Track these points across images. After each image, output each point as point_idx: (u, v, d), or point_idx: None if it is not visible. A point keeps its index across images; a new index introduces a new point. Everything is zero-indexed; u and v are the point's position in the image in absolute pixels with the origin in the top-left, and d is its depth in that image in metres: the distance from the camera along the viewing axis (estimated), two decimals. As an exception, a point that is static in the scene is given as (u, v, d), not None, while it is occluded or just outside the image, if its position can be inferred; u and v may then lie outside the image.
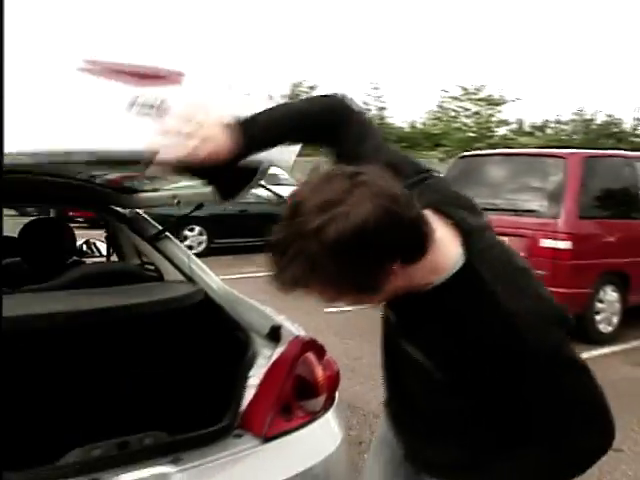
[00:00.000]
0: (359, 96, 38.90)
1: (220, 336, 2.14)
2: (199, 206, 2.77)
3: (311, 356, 1.95)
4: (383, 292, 1.17)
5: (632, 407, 4.61)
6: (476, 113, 20.21)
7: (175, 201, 2.68)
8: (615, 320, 6.51)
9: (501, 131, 21.28)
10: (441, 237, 1.21)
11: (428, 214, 1.19)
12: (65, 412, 2.13)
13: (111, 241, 3.44)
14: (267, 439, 1.74)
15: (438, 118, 39.57)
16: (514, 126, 21.75)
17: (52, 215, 4.65)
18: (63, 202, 3.12)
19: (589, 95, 70.97)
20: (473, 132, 19.90)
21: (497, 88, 34.68)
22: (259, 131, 1.37)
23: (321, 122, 1.45)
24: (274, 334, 2.03)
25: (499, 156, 7.45)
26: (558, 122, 42.70)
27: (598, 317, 6.35)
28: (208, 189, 2.46)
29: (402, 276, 1.16)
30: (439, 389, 1.36)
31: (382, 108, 35.44)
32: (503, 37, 71.39)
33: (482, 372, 1.25)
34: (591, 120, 40.56)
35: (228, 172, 1.71)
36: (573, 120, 41.66)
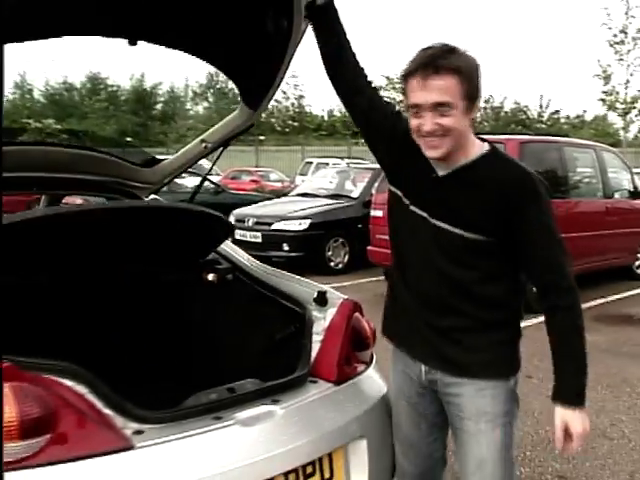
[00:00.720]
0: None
1: (278, 303, 2.43)
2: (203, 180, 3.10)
3: (359, 315, 2.28)
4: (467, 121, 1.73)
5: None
6: (400, 102, 20.85)
7: (204, 145, 2.86)
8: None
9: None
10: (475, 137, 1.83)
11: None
12: (179, 364, 2.50)
13: None
14: (338, 383, 2.06)
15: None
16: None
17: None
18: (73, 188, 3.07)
19: (497, 83, 74.01)
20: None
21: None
22: None
23: None
24: (322, 299, 2.34)
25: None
26: (469, 110, 44.38)
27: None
28: (232, 116, 2.76)
29: (464, 121, 1.72)
30: (461, 252, 1.80)
31: (300, 97, 35.79)
32: (418, 26, 73.19)
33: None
34: (500, 108, 42.47)
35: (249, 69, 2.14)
36: (484, 108, 43.49)
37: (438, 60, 1.66)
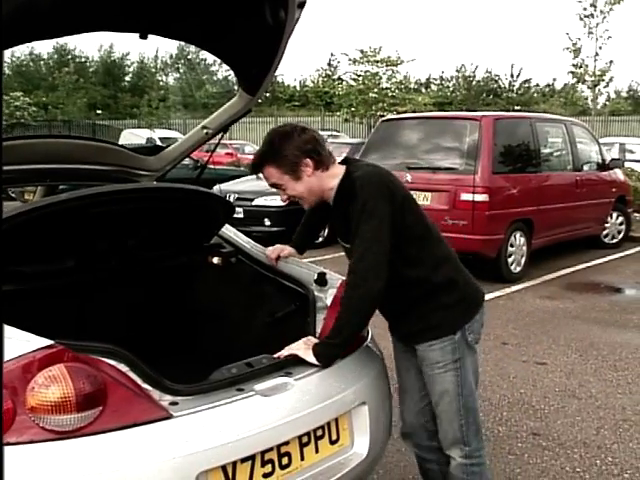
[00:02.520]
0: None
1: (279, 283, 2.65)
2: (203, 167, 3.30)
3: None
4: (304, 182, 2.18)
5: (547, 331, 5.54)
6: (375, 74, 20.98)
7: (205, 132, 3.05)
8: (523, 261, 7.50)
9: (391, 90, 22.19)
10: (336, 167, 2.25)
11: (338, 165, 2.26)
12: (190, 342, 2.73)
13: None
14: (343, 356, 2.31)
15: (328, 76, 40.22)
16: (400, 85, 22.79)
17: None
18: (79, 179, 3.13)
19: (469, 52, 74.02)
20: (375, 93, 20.67)
21: (394, 49, 35.93)
22: None
23: None
24: (322, 279, 2.57)
25: (419, 119, 8.19)
26: (442, 79, 44.60)
27: (510, 259, 7.30)
28: (231, 102, 2.94)
29: (300, 185, 2.19)
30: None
31: (273, 67, 35.43)
32: (385, -5, 72.73)
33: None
34: (472, 77, 42.70)
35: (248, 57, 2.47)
36: (455, 77, 43.68)
37: (254, 166, 2.28)
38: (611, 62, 14.53)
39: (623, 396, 4.19)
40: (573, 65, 14.79)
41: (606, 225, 9.36)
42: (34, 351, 1.68)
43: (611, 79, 15.04)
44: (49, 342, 1.70)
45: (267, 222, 9.13)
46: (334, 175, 2.24)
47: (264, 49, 2.66)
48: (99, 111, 37.70)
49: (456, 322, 2.28)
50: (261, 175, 2.28)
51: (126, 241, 2.68)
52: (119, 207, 2.45)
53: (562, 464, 3.31)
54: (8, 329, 1.75)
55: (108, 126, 29.71)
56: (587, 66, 14.69)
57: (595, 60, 14.57)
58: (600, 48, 14.33)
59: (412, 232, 2.22)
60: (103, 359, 1.78)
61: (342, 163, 2.30)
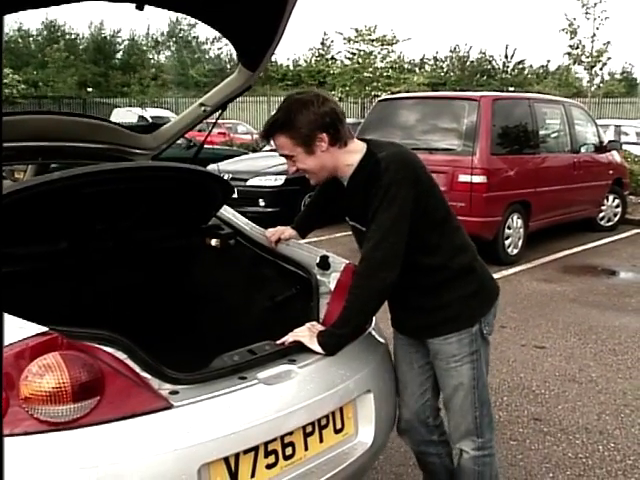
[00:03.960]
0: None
1: (280, 266, 2.57)
2: (200, 148, 3.19)
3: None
4: (317, 158, 2.05)
5: (545, 314, 5.50)
6: (370, 54, 20.74)
7: (202, 109, 2.93)
8: (520, 243, 7.45)
9: (386, 70, 21.95)
10: (355, 144, 2.12)
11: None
12: (189, 327, 2.66)
13: None
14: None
15: (321, 56, 39.83)
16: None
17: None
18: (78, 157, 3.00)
19: (463, 32, 73.54)
20: (369, 73, 20.45)
21: (389, 28, 35.54)
22: None
23: None
24: (324, 263, 2.49)
25: (416, 99, 8.07)
26: (436, 59, 44.28)
27: (507, 241, 7.25)
28: (230, 78, 2.84)
29: (312, 159, 2.06)
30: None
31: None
32: (379, -27, 71.76)
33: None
34: (466, 57, 42.43)
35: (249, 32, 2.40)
36: (449, 57, 43.38)
37: (266, 132, 2.12)
38: (608, 43, 14.42)
39: (624, 381, 4.15)
40: (570, 46, 14.65)
41: (602, 207, 9.32)
42: (27, 338, 1.59)
43: (608, 59, 14.92)
44: (43, 329, 1.62)
45: (262, 202, 9.02)
46: (352, 152, 2.11)
47: (265, 23, 2.55)
48: (89, 89, 37.24)
49: (474, 314, 2.19)
50: (270, 145, 2.12)
51: (121, 222, 2.59)
52: (113, 187, 2.35)
53: (564, 450, 3.27)
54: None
55: (100, 103, 29.36)
56: (584, 47, 14.55)
57: (592, 41, 14.43)
58: (597, 29, 14.20)
59: (434, 217, 2.12)
60: (100, 346, 1.70)
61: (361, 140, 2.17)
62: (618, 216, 9.55)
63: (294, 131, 2.04)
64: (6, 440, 1.52)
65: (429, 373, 2.34)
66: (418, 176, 2.05)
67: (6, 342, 1.57)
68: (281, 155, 2.15)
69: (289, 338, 2.10)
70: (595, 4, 14.30)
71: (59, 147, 2.83)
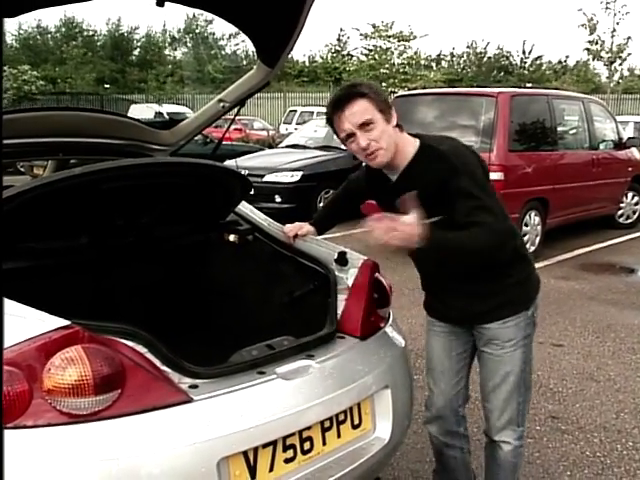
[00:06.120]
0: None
1: (297, 262, 2.57)
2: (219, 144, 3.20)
3: (379, 275, 2.44)
4: (390, 129, 2.04)
5: (563, 312, 5.46)
6: (387, 50, 20.68)
7: (221, 105, 2.94)
8: (537, 241, 7.40)
9: (403, 67, 21.85)
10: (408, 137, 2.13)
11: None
12: (207, 322, 2.69)
13: None
14: (363, 338, 2.24)
15: (337, 52, 39.74)
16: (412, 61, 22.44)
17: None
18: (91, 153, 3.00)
19: (480, 28, 72.98)
20: (386, 69, 20.40)
21: (406, 24, 35.47)
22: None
23: None
24: (342, 259, 2.49)
25: (434, 95, 8.04)
26: (452, 55, 44.02)
27: (524, 239, 7.19)
28: (249, 74, 2.85)
29: (388, 129, 2.04)
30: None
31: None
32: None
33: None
34: (483, 53, 42.14)
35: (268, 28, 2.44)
36: (466, 53, 43.11)
37: (345, 96, 2.07)
38: (629, 38, 14.24)
39: (642, 379, 4.12)
40: (589, 42, 14.49)
41: (621, 205, 9.22)
42: (50, 331, 1.61)
43: (628, 55, 14.75)
44: (66, 322, 1.64)
45: (277, 199, 9.03)
46: (407, 141, 2.13)
47: (284, 19, 2.55)
48: (107, 85, 37.46)
49: (529, 297, 2.26)
50: (345, 114, 2.04)
51: (141, 218, 2.60)
52: (134, 182, 2.37)
53: (582, 448, 3.25)
54: (23, 308, 1.69)
55: (117, 99, 29.53)
56: (604, 42, 14.39)
57: (612, 36, 14.27)
58: (617, 24, 14.04)
59: None
60: (121, 340, 1.72)
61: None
62: (637, 213, 9.45)
63: (377, 96, 2.06)
64: (29, 431, 1.56)
65: (465, 361, 2.39)
66: (482, 166, 2.15)
67: (29, 335, 1.60)
68: (356, 125, 2.04)
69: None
70: (615, -1, 14.16)
71: (79, 143, 2.85)
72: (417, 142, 2.13)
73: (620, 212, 9.28)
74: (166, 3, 2.53)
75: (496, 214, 2.01)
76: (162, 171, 2.42)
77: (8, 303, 1.68)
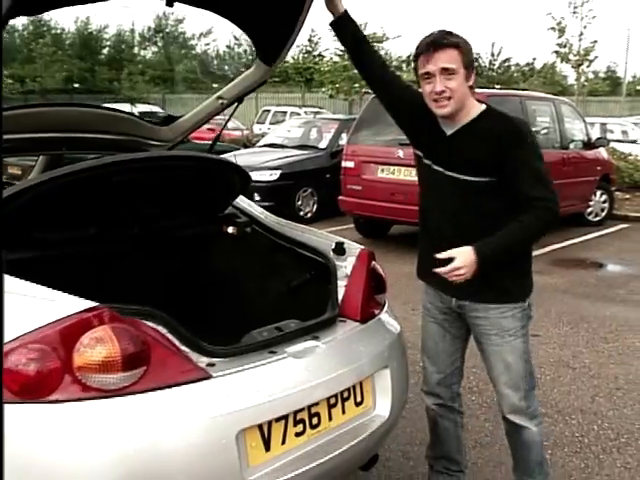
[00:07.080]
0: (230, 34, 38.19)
1: (296, 252, 2.69)
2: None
3: (376, 263, 2.58)
4: (466, 85, 2.18)
5: (538, 304, 5.60)
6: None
7: (220, 102, 3.04)
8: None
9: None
10: (475, 101, 2.27)
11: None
12: (223, 313, 2.80)
13: None
14: (363, 322, 2.37)
15: (309, 52, 39.83)
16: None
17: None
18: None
19: (450, 30, 73.35)
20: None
21: (379, 26, 35.64)
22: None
23: None
24: (340, 249, 2.62)
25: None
26: (423, 57, 44.33)
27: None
28: (248, 72, 2.95)
29: (464, 86, 2.18)
30: (469, 196, 2.23)
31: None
32: (366, -30, 71.62)
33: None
34: (453, 55, 42.53)
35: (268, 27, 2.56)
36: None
37: (441, 39, 2.19)
38: (595, 42, 14.67)
39: (615, 366, 4.33)
40: (558, 44, 14.86)
41: (590, 203, 9.51)
42: (79, 312, 1.71)
43: (595, 58, 15.18)
44: (93, 304, 1.74)
45: (257, 197, 9.10)
46: (474, 104, 2.27)
47: (284, 18, 2.67)
48: (76, 85, 36.99)
49: (528, 289, 2.40)
50: (432, 62, 2.16)
51: (146, 210, 2.70)
52: (140, 175, 2.47)
53: (561, 429, 3.43)
54: (50, 292, 1.78)
55: (87, 99, 29.22)
56: (572, 45, 14.76)
57: (580, 40, 14.66)
58: (585, 27, 14.43)
59: None
60: (143, 321, 1.82)
61: None
62: (605, 211, 9.76)
63: (468, 52, 2.20)
64: (61, 406, 1.65)
65: (459, 345, 2.52)
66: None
67: (58, 316, 1.70)
68: (439, 69, 2.15)
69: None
70: (582, 3, 14.54)
71: (81, 138, 2.93)
72: (483, 106, 2.28)
73: (589, 210, 9.57)
74: (159, 3, 2.64)
75: (553, 189, 2.22)
76: (168, 164, 2.52)
77: (38, 288, 1.78)
